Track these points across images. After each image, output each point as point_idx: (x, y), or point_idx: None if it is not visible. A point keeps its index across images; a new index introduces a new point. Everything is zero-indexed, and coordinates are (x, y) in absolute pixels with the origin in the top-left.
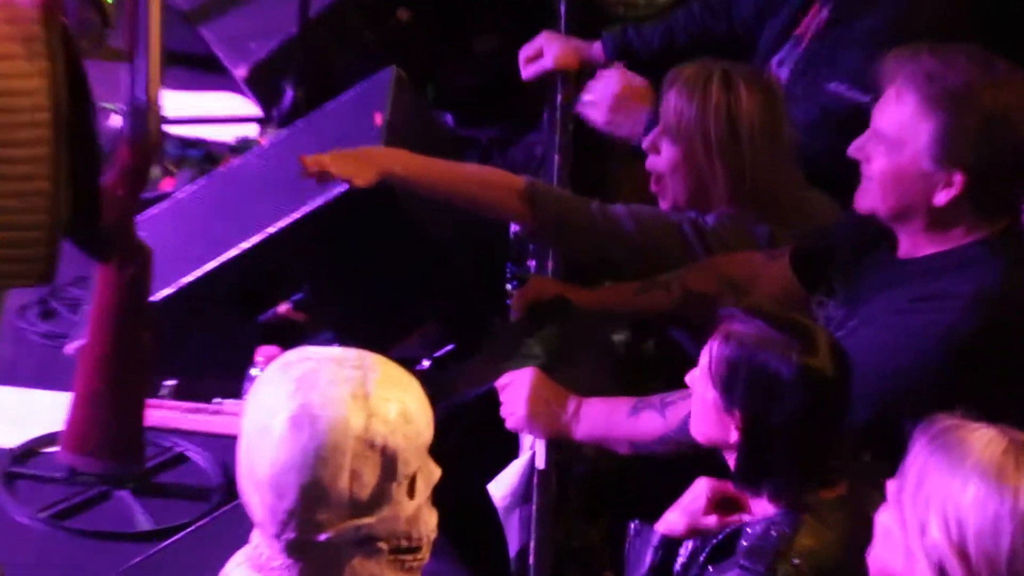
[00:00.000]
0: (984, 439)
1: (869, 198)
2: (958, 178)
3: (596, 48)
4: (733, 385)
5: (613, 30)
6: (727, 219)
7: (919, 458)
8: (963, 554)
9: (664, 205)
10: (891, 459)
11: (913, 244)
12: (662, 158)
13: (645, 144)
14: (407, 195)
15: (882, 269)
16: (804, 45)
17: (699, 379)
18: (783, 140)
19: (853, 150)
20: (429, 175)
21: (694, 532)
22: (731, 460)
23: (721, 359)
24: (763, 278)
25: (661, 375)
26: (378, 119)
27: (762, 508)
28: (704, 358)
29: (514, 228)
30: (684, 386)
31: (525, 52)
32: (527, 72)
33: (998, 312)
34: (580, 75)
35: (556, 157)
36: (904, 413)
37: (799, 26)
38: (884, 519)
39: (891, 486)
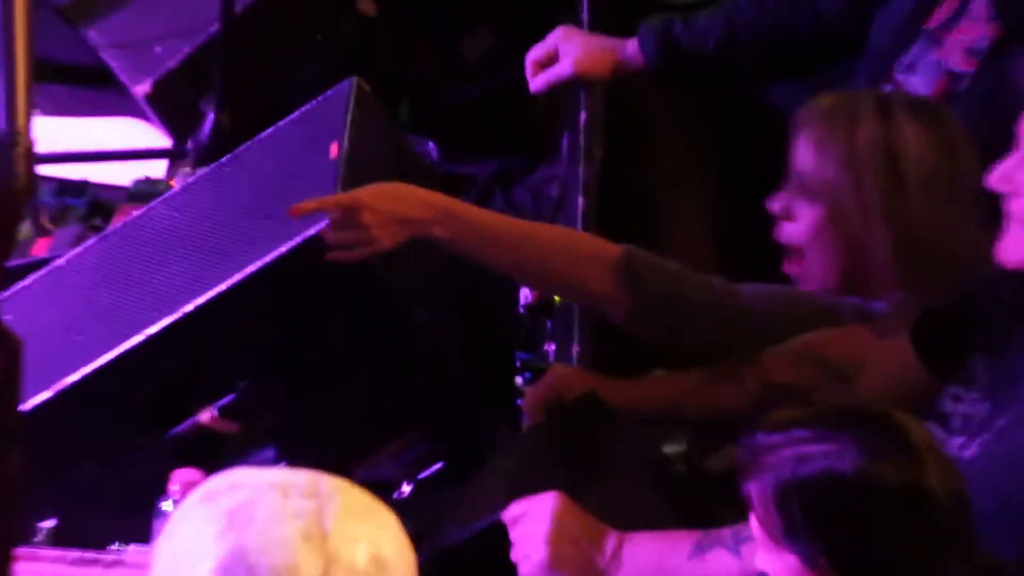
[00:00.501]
0: None
1: (1017, 247)
2: None
3: (631, 47)
4: (796, 529)
5: (653, 23)
6: (904, 306)
7: None
8: None
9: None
10: None
11: None
12: (798, 225)
13: (775, 208)
14: (386, 266)
15: None
16: (943, 55)
17: (762, 543)
18: (965, 188)
19: (998, 179)
20: (486, 239)
21: None
22: None
23: (765, 500)
24: (874, 361)
25: (733, 500)
26: (334, 151)
27: None
28: (756, 515)
29: (525, 299)
30: None
31: (535, 55)
32: (537, 83)
33: None
34: (611, 86)
35: (580, 199)
36: None
37: (930, 19)
38: None
39: None
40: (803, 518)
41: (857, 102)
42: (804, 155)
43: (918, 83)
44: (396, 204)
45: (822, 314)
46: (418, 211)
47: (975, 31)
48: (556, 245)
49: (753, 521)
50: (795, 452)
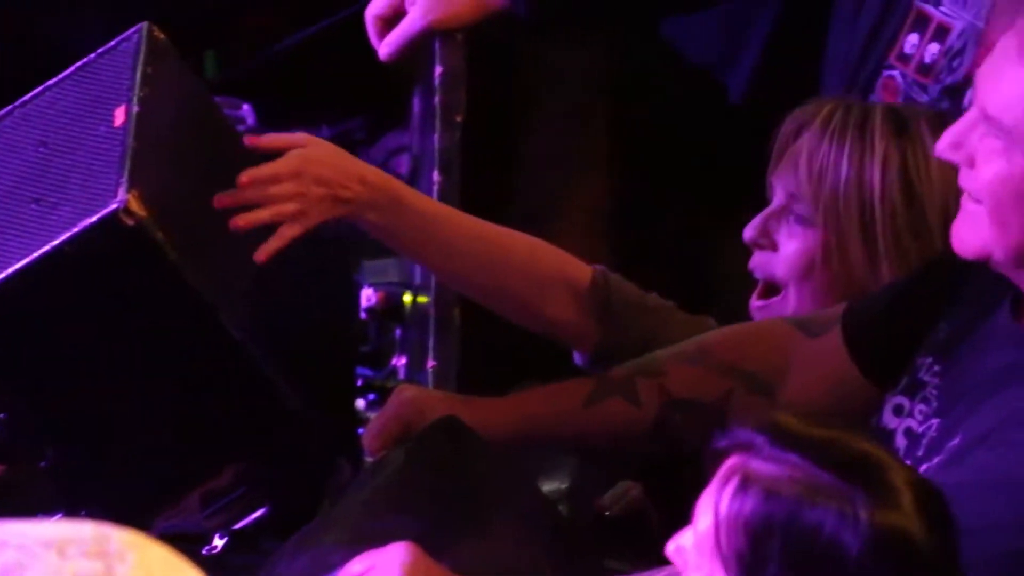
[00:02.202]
0: None
1: (976, 231)
2: None
3: None
4: (760, 564)
5: None
6: None
7: None
8: None
9: None
10: None
11: None
12: (785, 252)
13: (749, 234)
14: (174, 248)
15: (1001, 347)
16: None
17: (696, 555)
18: None
19: (944, 147)
20: (430, 238)
21: None
22: None
23: (739, 524)
24: (801, 368)
25: (628, 550)
26: (120, 115)
27: None
28: (705, 518)
29: (368, 302)
30: (665, 562)
31: (376, 9)
32: (386, 48)
33: None
34: (474, 32)
35: (436, 175)
36: None
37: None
38: None
39: None
40: (779, 564)
41: (867, 110)
42: (797, 168)
43: (949, 9)
44: (335, 175)
45: None
46: (357, 189)
47: None
48: (516, 257)
49: (674, 549)
50: (796, 490)
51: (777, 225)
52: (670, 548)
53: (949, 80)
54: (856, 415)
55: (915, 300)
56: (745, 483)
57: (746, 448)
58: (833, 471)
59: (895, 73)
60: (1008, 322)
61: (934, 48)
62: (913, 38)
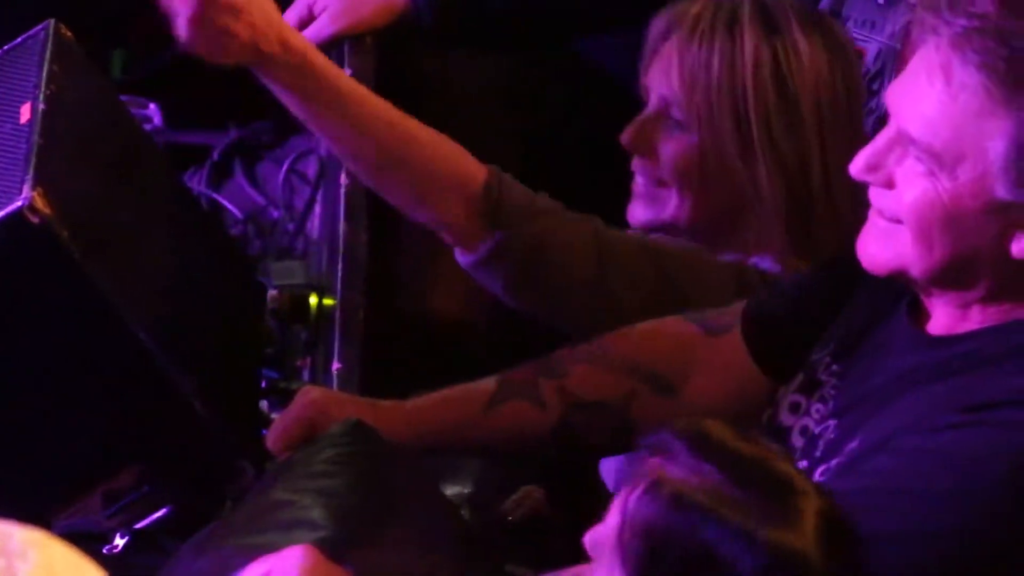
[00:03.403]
0: None
1: (895, 249)
2: None
3: None
4: (655, 572)
5: None
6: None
7: None
8: None
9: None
10: None
11: (960, 315)
12: (664, 155)
13: (628, 136)
14: (79, 246)
15: (901, 351)
16: None
17: (602, 545)
18: (861, 123)
19: (860, 169)
20: (333, 105)
21: None
22: None
23: (640, 524)
24: (703, 367)
25: (531, 555)
26: (25, 112)
27: None
28: (615, 516)
29: (273, 303)
30: (567, 565)
31: (287, 15)
32: None
33: None
34: (383, 35)
35: (343, 178)
36: None
37: None
38: None
39: None
40: (673, 574)
41: (735, 8)
42: (668, 72)
43: (853, 31)
44: (263, 25)
45: (717, 272)
46: (276, 48)
47: None
48: (417, 147)
49: (590, 538)
50: (703, 502)
51: (654, 129)
52: (586, 539)
53: (874, 103)
54: (753, 411)
55: (813, 298)
56: (655, 487)
57: (664, 451)
58: (744, 488)
59: None
60: (907, 326)
61: None
62: None
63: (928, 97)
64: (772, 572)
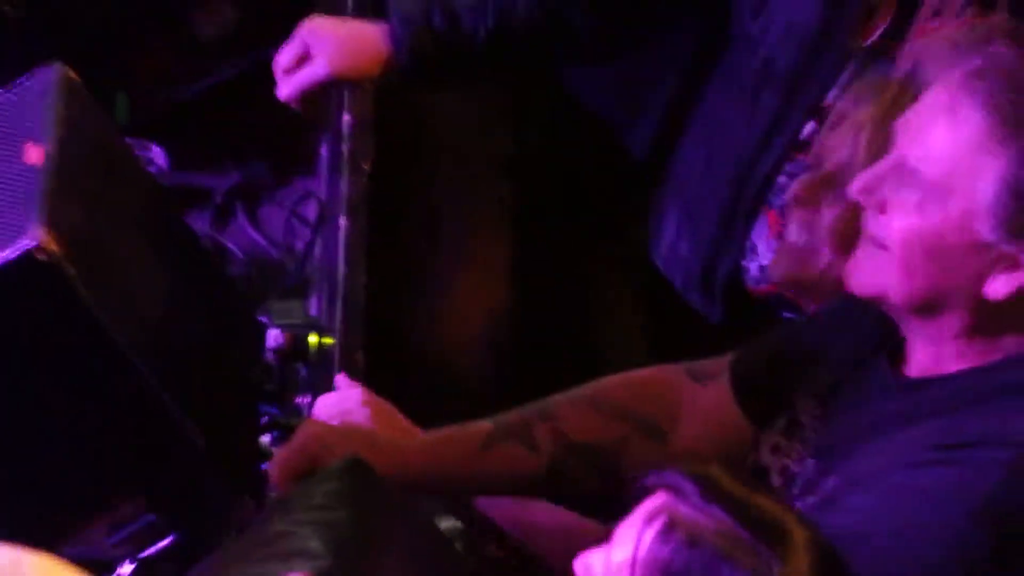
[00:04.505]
0: None
1: (878, 275)
2: None
3: (385, 34)
4: None
5: (408, 9)
6: None
7: None
8: None
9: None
10: None
11: (936, 355)
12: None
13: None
14: (85, 284)
15: (881, 394)
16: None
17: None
18: None
19: (858, 190)
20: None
21: None
22: None
23: (655, 563)
24: (689, 412)
25: None
26: (33, 155)
27: None
28: (623, 547)
29: (275, 342)
30: None
31: (283, 61)
32: (288, 88)
33: None
34: (380, 86)
35: (343, 220)
36: None
37: (871, 26)
38: None
39: None
40: None
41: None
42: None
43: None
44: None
45: None
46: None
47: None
48: None
49: (606, 558)
50: (717, 543)
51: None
52: (577, 563)
53: None
54: (736, 453)
55: (798, 346)
56: (670, 527)
57: (674, 491)
58: (750, 530)
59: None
60: (886, 371)
61: None
62: (811, 125)
63: (932, 128)
64: None
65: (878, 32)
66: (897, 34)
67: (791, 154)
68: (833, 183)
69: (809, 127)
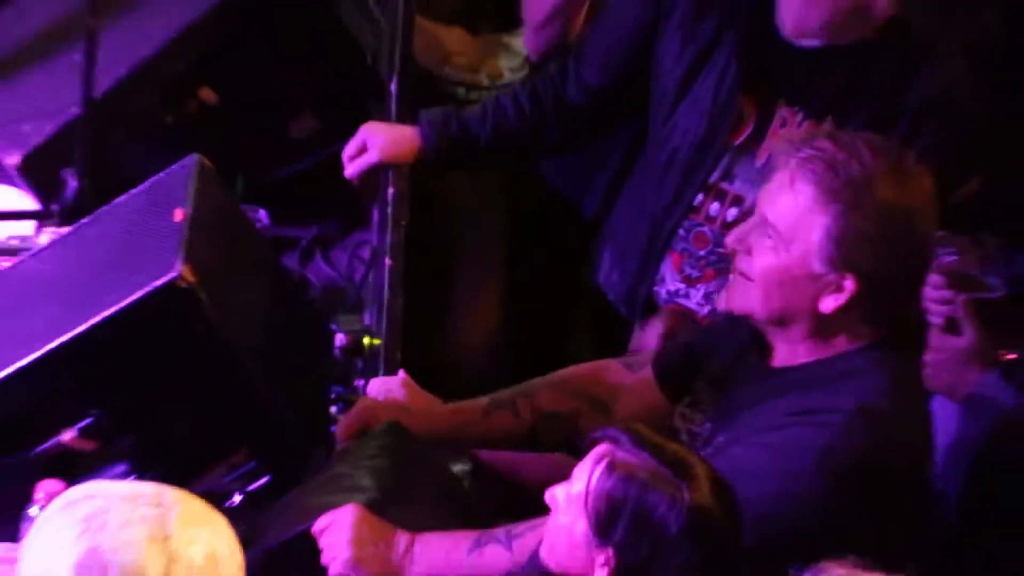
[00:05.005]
0: None
1: (746, 300)
2: (850, 284)
3: (418, 134)
4: (612, 524)
5: (435, 118)
6: None
7: None
8: None
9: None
10: None
11: (790, 351)
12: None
13: None
14: (219, 312)
15: (754, 379)
16: (765, 161)
17: (568, 503)
18: None
19: (734, 239)
20: None
21: None
22: None
23: (602, 492)
24: (625, 392)
25: (506, 508)
26: (178, 215)
27: None
28: (580, 481)
29: (340, 342)
30: (536, 514)
31: (348, 151)
32: (352, 169)
33: (883, 429)
34: (414, 166)
35: (388, 260)
36: (779, 546)
37: (738, 133)
38: None
39: None
40: (625, 526)
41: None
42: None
43: (743, 187)
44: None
45: None
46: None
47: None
48: None
49: (550, 495)
50: (644, 477)
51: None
52: (547, 495)
53: None
54: (657, 419)
55: (698, 346)
56: (612, 466)
57: (614, 442)
58: (668, 467)
59: (705, 229)
60: (757, 363)
61: (733, 211)
62: (715, 205)
63: (779, 196)
64: (691, 524)
65: (744, 135)
66: (757, 137)
67: (687, 216)
68: None
69: (699, 198)
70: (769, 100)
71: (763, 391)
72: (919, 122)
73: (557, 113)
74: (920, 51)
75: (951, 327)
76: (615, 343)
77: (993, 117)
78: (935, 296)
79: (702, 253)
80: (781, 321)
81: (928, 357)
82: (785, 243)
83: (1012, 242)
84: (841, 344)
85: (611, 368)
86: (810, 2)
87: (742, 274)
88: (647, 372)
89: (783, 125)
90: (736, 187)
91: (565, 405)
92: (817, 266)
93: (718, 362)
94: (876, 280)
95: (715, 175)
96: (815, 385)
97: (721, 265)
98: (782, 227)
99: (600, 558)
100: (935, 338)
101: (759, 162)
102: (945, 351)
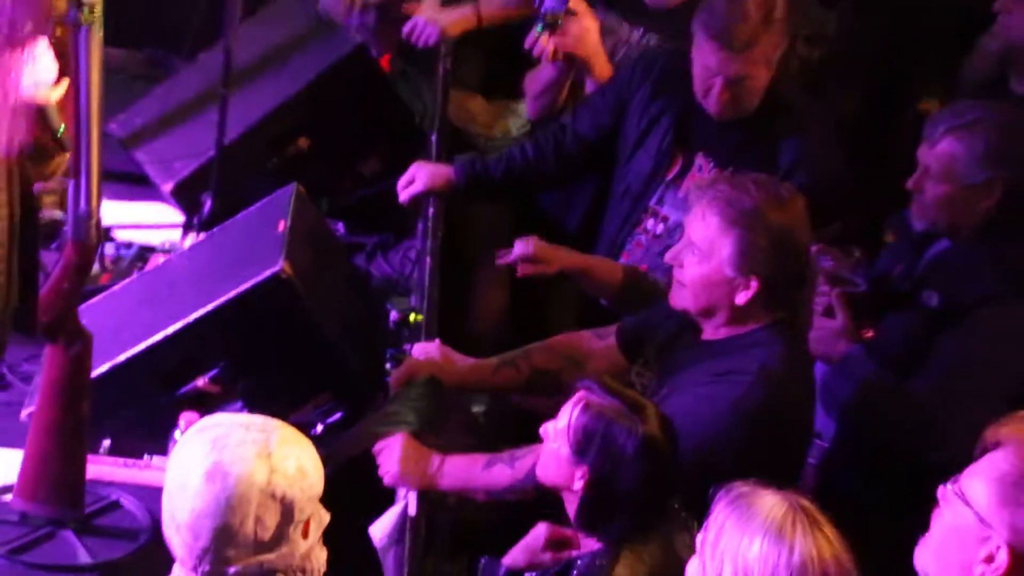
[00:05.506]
0: (770, 503)
1: (682, 300)
2: (755, 283)
3: (452, 171)
4: (587, 447)
5: (463, 159)
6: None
7: (719, 517)
8: None
9: None
10: (694, 506)
11: (715, 330)
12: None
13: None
14: (309, 295)
15: (689, 348)
16: (684, 193)
17: (555, 434)
18: None
19: (670, 257)
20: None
21: (533, 566)
22: (569, 503)
23: (579, 425)
24: (595, 354)
25: (512, 436)
26: (281, 226)
27: (589, 543)
28: (563, 418)
29: (393, 317)
30: (534, 442)
31: (401, 182)
32: (403, 196)
33: (778, 385)
34: (448, 194)
35: (428, 259)
36: (704, 468)
37: (669, 171)
38: (692, 566)
39: (697, 539)
40: (596, 450)
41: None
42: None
43: (669, 211)
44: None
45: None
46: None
47: (703, 178)
48: None
49: (543, 428)
50: (610, 414)
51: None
52: (542, 429)
53: (669, 242)
54: (618, 375)
55: (650, 321)
56: (586, 407)
57: (588, 388)
58: (626, 406)
59: (642, 238)
60: (692, 336)
61: (661, 227)
62: (651, 222)
63: (698, 224)
64: (642, 447)
65: (673, 174)
66: (682, 175)
67: (633, 230)
68: None
69: (650, 222)
70: (692, 151)
71: (695, 356)
72: (788, 176)
73: (555, 158)
74: (790, 124)
75: (828, 312)
76: (591, 319)
77: (843, 174)
78: (817, 290)
79: (639, 254)
80: (707, 312)
81: (811, 334)
82: (706, 257)
83: (871, 253)
84: (750, 325)
85: (585, 337)
86: (712, 100)
87: (678, 282)
88: (611, 340)
89: (700, 170)
90: (665, 210)
91: (552, 364)
92: (730, 272)
93: (663, 334)
94: (772, 279)
95: (653, 200)
96: (731, 353)
97: (651, 262)
98: (702, 247)
99: (578, 473)
100: (816, 320)
101: (681, 193)
102: (823, 330)
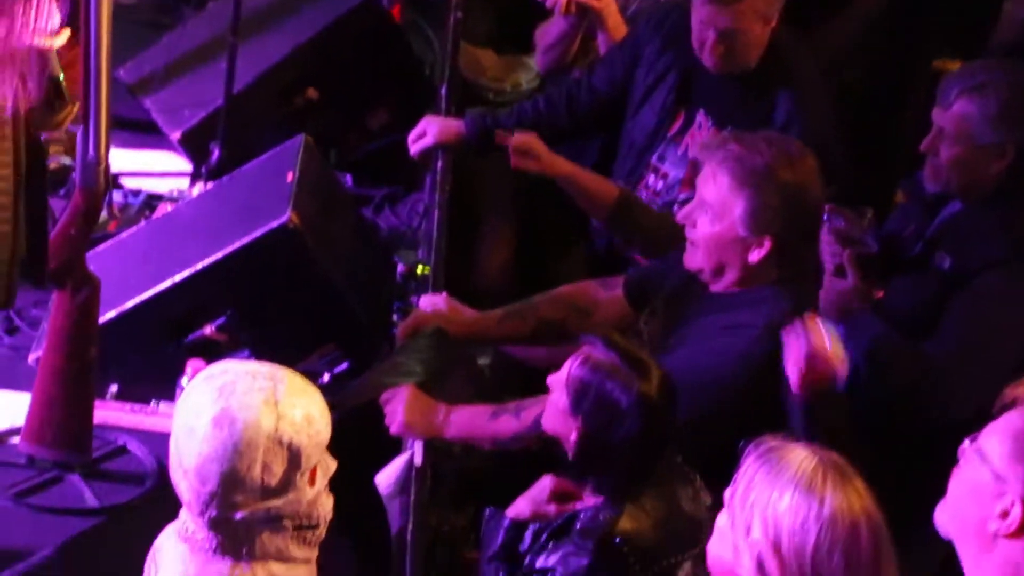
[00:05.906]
0: (800, 457)
1: (696, 259)
2: (767, 242)
3: (463, 126)
4: (582, 400)
5: (474, 113)
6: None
7: (748, 470)
8: (777, 550)
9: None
10: (700, 458)
11: (725, 286)
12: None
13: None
14: (316, 246)
15: (697, 300)
16: (684, 150)
17: (558, 383)
18: None
19: (682, 217)
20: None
21: (538, 517)
22: (568, 452)
23: (577, 377)
24: (602, 304)
25: (516, 388)
26: (289, 176)
27: (593, 497)
28: (565, 369)
29: (400, 269)
30: (537, 393)
31: (412, 135)
32: (414, 149)
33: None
34: (456, 148)
35: (436, 212)
36: (710, 419)
37: (671, 128)
38: (721, 519)
39: (726, 493)
40: (591, 401)
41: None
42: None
43: (669, 168)
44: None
45: None
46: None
47: (701, 135)
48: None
49: (551, 378)
50: (607, 368)
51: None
52: (549, 379)
53: (668, 198)
54: (628, 326)
55: (658, 273)
56: (585, 360)
57: (591, 344)
58: (626, 363)
59: (643, 194)
60: (701, 289)
61: (661, 183)
62: (652, 177)
63: (709, 185)
64: (636, 403)
65: (674, 130)
66: (683, 132)
67: (635, 185)
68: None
69: (651, 178)
70: (694, 107)
71: (703, 309)
72: (783, 130)
73: (567, 112)
74: (786, 79)
75: (839, 272)
76: (598, 273)
77: (834, 135)
78: (828, 250)
79: None
80: (719, 271)
81: (822, 293)
82: (718, 217)
83: (881, 214)
84: (760, 281)
85: (591, 287)
86: (707, 53)
87: (691, 241)
88: (618, 291)
89: (699, 127)
90: (665, 167)
91: (557, 314)
92: (742, 231)
93: (671, 285)
94: (784, 237)
95: (654, 157)
96: (738, 308)
97: None
98: (715, 206)
99: (574, 424)
100: (827, 280)
101: (681, 150)
102: (834, 290)
